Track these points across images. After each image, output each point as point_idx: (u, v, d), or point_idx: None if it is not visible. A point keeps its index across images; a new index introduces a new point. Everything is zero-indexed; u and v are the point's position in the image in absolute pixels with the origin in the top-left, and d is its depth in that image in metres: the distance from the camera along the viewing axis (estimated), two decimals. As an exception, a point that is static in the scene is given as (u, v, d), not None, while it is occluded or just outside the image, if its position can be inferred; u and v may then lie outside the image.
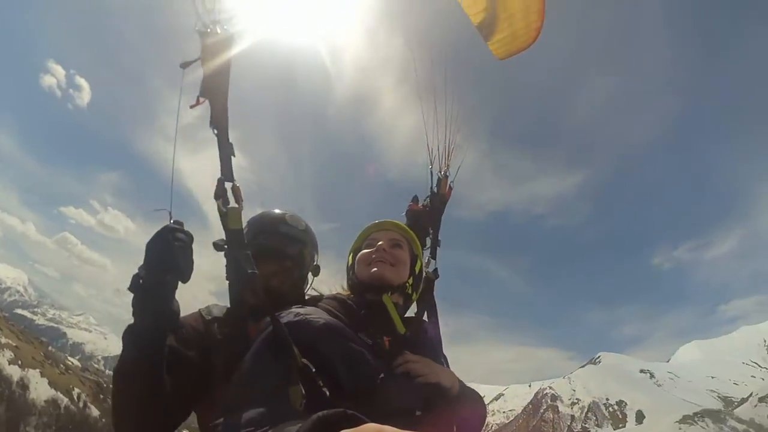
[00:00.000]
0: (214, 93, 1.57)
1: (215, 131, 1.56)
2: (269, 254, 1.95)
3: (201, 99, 1.58)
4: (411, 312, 1.84)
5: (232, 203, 1.55)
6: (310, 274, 2.14)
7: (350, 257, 1.80)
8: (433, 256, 2.29)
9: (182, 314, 1.60)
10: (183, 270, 1.50)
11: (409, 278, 1.69)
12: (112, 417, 1.54)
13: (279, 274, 1.97)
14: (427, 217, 2.45)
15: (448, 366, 1.65)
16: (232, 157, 1.56)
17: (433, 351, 1.62)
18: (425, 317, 1.94)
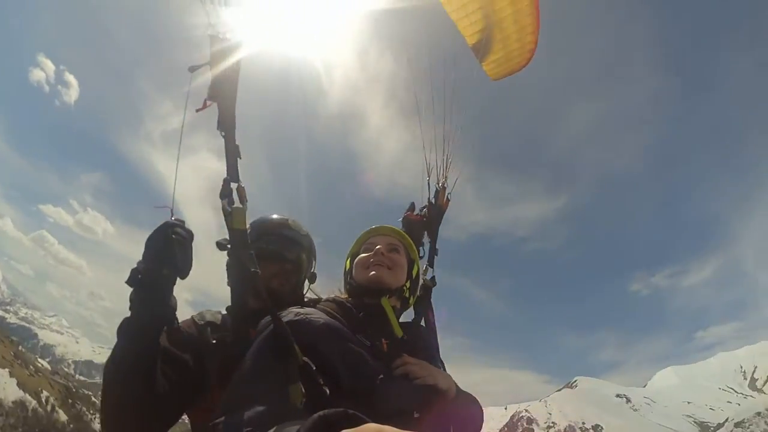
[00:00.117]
0: (223, 97, 1.60)
1: (222, 133, 1.59)
2: (271, 256, 1.96)
3: (208, 102, 1.61)
4: (409, 318, 1.88)
5: (237, 204, 1.56)
6: (306, 280, 2.15)
7: (348, 262, 1.83)
8: (431, 264, 2.36)
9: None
10: (180, 265, 1.51)
11: (406, 282, 1.73)
12: (101, 413, 1.52)
13: (280, 276, 1.99)
14: (422, 226, 2.51)
15: (445, 370, 1.68)
16: (239, 158, 1.59)
17: (431, 355, 1.65)
18: (422, 323, 1.99)
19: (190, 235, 1.56)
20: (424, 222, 2.53)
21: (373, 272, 1.64)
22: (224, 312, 1.89)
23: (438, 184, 2.69)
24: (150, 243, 1.49)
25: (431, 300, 2.12)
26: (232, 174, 1.57)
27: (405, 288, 1.73)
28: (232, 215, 1.52)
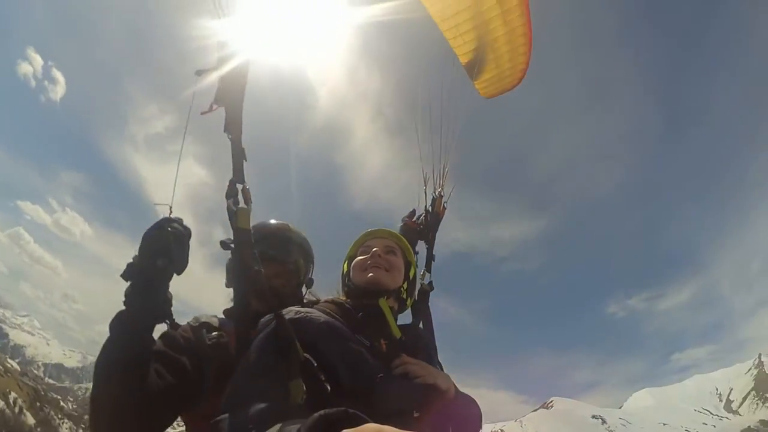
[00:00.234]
0: (231, 101, 1.62)
1: (229, 137, 1.61)
2: (272, 259, 1.99)
3: (215, 106, 1.63)
4: (407, 321, 1.91)
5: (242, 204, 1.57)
6: (304, 285, 2.17)
7: (345, 265, 1.84)
8: (428, 269, 2.44)
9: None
10: (175, 258, 1.50)
11: (403, 283, 1.76)
12: (91, 410, 1.47)
13: (281, 276, 2.01)
14: (418, 233, 2.59)
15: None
16: (244, 161, 1.60)
17: (429, 356, 1.68)
18: (420, 326, 2.03)
19: (187, 232, 1.57)
20: (420, 230, 2.61)
21: (371, 274, 1.66)
22: (220, 316, 1.90)
23: (435, 192, 2.78)
24: (145, 235, 1.49)
25: (429, 304, 2.18)
26: (238, 175, 1.58)
27: (402, 289, 1.76)
28: (237, 215, 1.53)
